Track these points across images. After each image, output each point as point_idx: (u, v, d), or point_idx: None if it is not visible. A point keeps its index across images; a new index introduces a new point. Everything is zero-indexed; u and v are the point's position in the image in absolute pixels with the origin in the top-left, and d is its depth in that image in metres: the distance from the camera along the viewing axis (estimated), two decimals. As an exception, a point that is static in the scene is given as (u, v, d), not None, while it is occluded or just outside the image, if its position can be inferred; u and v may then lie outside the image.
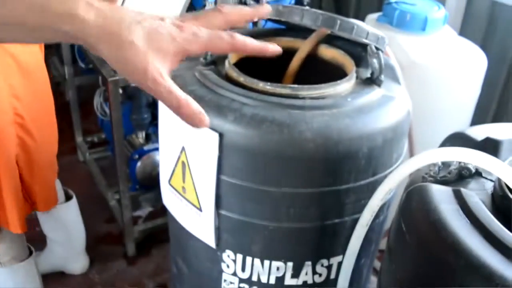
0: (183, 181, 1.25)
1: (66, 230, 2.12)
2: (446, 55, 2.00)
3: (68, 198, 2.09)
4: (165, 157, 1.32)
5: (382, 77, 1.27)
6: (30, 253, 1.86)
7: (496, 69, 2.50)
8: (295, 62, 1.43)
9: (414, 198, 0.90)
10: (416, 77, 1.86)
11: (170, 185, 1.32)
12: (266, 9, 0.78)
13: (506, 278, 0.70)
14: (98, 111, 2.64)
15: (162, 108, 1.27)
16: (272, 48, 0.73)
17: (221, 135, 1.09)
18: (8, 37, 0.63)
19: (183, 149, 1.21)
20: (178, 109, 0.63)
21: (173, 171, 1.28)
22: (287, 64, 1.45)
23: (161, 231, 2.32)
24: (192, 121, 0.64)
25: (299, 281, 1.28)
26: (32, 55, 1.65)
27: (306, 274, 1.28)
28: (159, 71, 0.61)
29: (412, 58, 1.92)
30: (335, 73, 1.34)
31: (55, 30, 0.60)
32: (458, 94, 2.00)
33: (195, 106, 0.64)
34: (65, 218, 2.08)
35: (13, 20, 0.59)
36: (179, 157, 1.24)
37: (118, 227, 2.50)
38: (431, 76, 1.94)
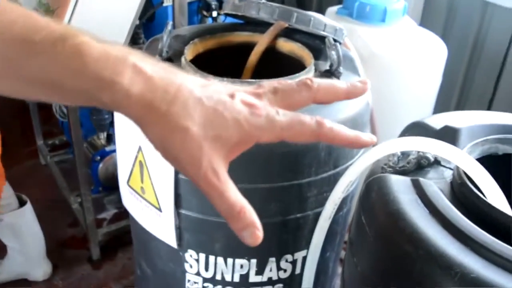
0: (142, 182, 1.22)
1: (23, 236, 2.05)
2: (407, 45, 2.00)
3: (22, 203, 2.02)
4: (122, 158, 1.29)
5: (341, 69, 1.26)
6: None
7: (457, 59, 2.52)
8: (254, 56, 1.41)
9: (373, 189, 0.88)
10: (377, 68, 1.86)
11: (129, 186, 1.29)
12: (364, 88, 0.59)
13: (465, 265, 0.69)
14: (57, 113, 2.58)
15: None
16: (366, 138, 0.55)
17: (177, 133, 1.06)
18: (32, 96, 0.53)
19: (140, 148, 1.18)
20: (229, 217, 0.50)
21: (131, 171, 1.25)
22: (245, 58, 1.43)
23: (126, 233, 2.25)
24: (243, 235, 0.50)
25: (263, 278, 1.27)
26: None
27: (271, 270, 1.26)
28: (214, 167, 0.49)
29: (373, 50, 1.91)
30: (294, 67, 1.33)
31: (90, 97, 0.49)
32: (419, 84, 2.01)
33: (249, 218, 0.50)
34: (20, 225, 2.02)
35: (41, 79, 0.49)
36: (136, 157, 1.20)
37: (81, 231, 2.44)
38: (392, 67, 1.94)
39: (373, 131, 1.59)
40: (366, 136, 0.55)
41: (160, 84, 0.48)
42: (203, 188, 0.50)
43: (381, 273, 0.83)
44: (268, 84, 0.55)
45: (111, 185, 2.45)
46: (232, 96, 0.51)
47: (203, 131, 0.49)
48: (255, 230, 0.50)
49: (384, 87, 1.87)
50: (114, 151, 2.41)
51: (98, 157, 2.39)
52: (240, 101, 0.51)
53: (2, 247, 2.11)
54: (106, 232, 2.36)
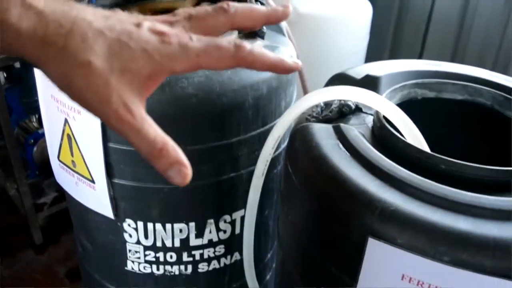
0: (72, 155, 1.21)
1: None
2: (332, 5, 2.03)
3: None
4: (50, 133, 1.27)
5: (265, 29, 1.27)
6: None
7: (385, 17, 2.58)
8: (177, 22, 1.40)
9: (297, 138, 0.90)
10: (304, 29, 1.88)
11: (60, 161, 1.27)
12: (286, 13, 0.56)
13: (384, 200, 0.72)
14: (-17, 99, 2.49)
15: (40, 81, 1.21)
16: (290, 62, 0.53)
17: (101, 101, 1.05)
18: None
19: (66, 121, 1.16)
20: (150, 156, 0.46)
21: (60, 146, 1.23)
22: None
23: (68, 215, 2.24)
24: (168, 174, 0.47)
25: (204, 241, 1.28)
26: None
27: (210, 232, 1.27)
28: (125, 103, 0.45)
29: (299, 11, 1.93)
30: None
31: None
32: (347, 43, 2.05)
33: (173, 155, 0.47)
34: None
35: None
36: (63, 131, 1.19)
37: (22, 217, 2.39)
38: (319, 27, 1.97)
39: (304, 89, 1.62)
40: (290, 60, 0.52)
41: (52, 17, 0.44)
42: (116, 127, 0.46)
43: (309, 218, 0.85)
44: (183, 11, 0.52)
45: (48, 168, 2.39)
46: (138, 25, 0.48)
47: (107, 64, 0.44)
48: (181, 168, 0.47)
49: (313, 47, 1.90)
50: (48, 133, 2.37)
51: (32, 141, 2.33)
52: (148, 29, 0.48)
53: None
54: (47, 216, 2.32)
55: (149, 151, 0.46)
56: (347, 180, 0.76)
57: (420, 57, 2.64)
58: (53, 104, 1.17)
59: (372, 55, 2.23)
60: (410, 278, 0.71)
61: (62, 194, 2.46)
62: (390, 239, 0.70)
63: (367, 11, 2.08)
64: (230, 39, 0.49)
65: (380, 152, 0.83)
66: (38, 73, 1.19)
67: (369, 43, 2.19)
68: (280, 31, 1.39)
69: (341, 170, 0.78)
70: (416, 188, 0.74)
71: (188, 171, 0.47)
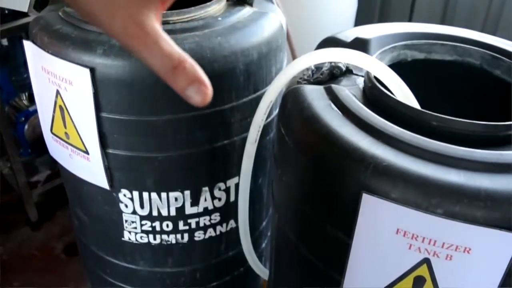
0: (65, 127, 1.21)
1: None
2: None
3: None
4: (42, 106, 1.26)
5: (253, -5, 1.27)
6: None
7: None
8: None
9: (289, 100, 0.91)
10: (292, -3, 1.88)
11: (53, 134, 1.27)
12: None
13: (377, 156, 0.73)
14: (-28, 78, 2.48)
15: (29, 53, 1.20)
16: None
17: (92, 70, 1.05)
18: None
19: (57, 93, 1.16)
20: (166, 74, 0.43)
21: (53, 118, 1.23)
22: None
23: (62, 192, 2.24)
24: (187, 94, 0.44)
25: (199, 209, 1.29)
26: None
27: (205, 200, 1.28)
28: (135, 16, 0.42)
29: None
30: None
31: None
32: (335, 9, 2.04)
33: (192, 72, 0.44)
34: None
35: None
36: (55, 103, 1.18)
37: (16, 195, 2.40)
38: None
39: (292, 55, 1.62)
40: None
41: None
42: (127, 43, 0.42)
43: (303, 177, 0.86)
44: None
45: (40, 146, 2.39)
46: None
47: None
48: (200, 86, 0.43)
49: (302, 13, 1.89)
50: (39, 110, 2.36)
51: (23, 118, 2.33)
52: None
53: None
54: (41, 193, 2.33)
55: (164, 68, 0.43)
56: (340, 138, 0.77)
57: (409, 21, 2.64)
58: (44, 76, 1.17)
59: (361, 20, 2.23)
60: (405, 232, 0.72)
61: (55, 172, 2.48)
62: (383, 194, 0.71)
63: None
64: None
65: (372, 111, 0.84)
66: (27, 46, 1.18)
67: (358, 8, 2.19)
68: (269, -2, 1.39)
69: (334, 129, 0.79)
70: (407, 144, 0.75)
71: (209, 90, 0.44)
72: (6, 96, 2.41)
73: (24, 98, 2.42)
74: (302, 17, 1.87)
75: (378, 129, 0.78)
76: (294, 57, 1.65)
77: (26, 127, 2.33)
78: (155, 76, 1.04)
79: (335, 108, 0.84)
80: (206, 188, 1.26)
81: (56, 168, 2.51)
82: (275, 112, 1.30)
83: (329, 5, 1.98)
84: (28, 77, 2.34)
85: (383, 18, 2.70)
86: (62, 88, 1.14)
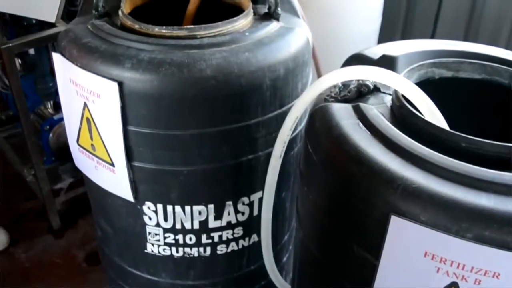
0: (91, 139, 1.22)
1: None
2: (345, -13, 2.03)
3: None
4: (69, 117, 1.28)
5: (279, 10, 1.27)
6: None
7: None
8: (192, 5, 1.40)
9: (317, 118, 0.91)
10: (316, 10, 1.88)
11: (79, 145, 1.28)
12: None
13: (406, 178, 0.73)
14: (-1, 87, 2.51)
15: (58, 65, 1.22)
16: None
17: (120, 84, 1.06)
18: None
19: (85, 105, 1.17)
20: None
21: (80, 130, 1.24)
22: (184, 8, 1.43)
23: (85, 200, 2.25)
24: None
25: (223, 223, 1.29)
26: None
27: (229, 214, 1.29)
28: None
29: (312, -7, 1.93)
30: (234, 13, 1.33)
31: None
32: (359, 24, 2.04)
33: None
34: None
35: None
36: (83, 115, 1.20)
37: (39, 203, 2.42)
38: (331, 8, 1.96)
39: (317, 69, 1.62)
40: None
41: None
42: None
43: (330, 196, 0.86)
44: None
45: (64, 154, 2.41)
46: None
47: None
48: None
49: (325, 28, 1.89)
50: (63, 119, 2.38)
51: (47, 127, 2.35)
52: None
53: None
54: (64, 201, 2.35)
55: None
56: (369, 159, 0.77)
57: (432, 36, 2.63)
58: (72, 88, 1.18)
59: (384, 34, 2.22)
60: (433, 255, 0.71)
61: (78, 180, 2.50)
62: (412, 216, 0.71)
63: (380, -8, 2.08)
64: None
65: (400, 130, 0.83)
66: (56, 58, 1.20)
67: (381, 22, 2.18)
68: (294, 12, 1.39)
69: (362, 149, 0.79)
70: (437, 166, 0.74)
71: None
72: (31, 104, 2.43)
73: (49, 106, 2.44)
74: (326, 31, 1.87)
75: (407, 150, 0.78)
76: (319, 71, 1.65)
77: (50, 135, 2.35)
78: (182, 91, 1.05)
79: (363, 128, 0.84)
80: (230, 202, 1.26)
81: (79, 176, 2.53)
82: (300, 127, 1.30)
83: (354, 18, 1.98)
84: (53, 86, 2.38)
85: (406, 31, 2.69)
86: (89, 101, 1.15)
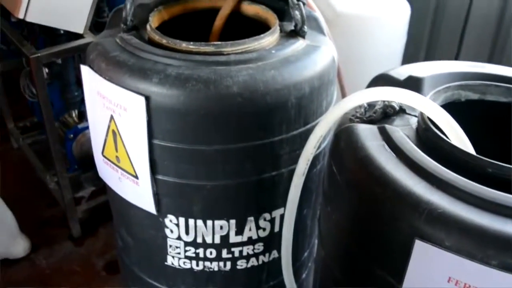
0: (116, 151, 1.23)
1: None
2: (370, 5, 2.03)
3: None
4: (95, 129, 1.29)
5: (306, 28, 1.28)
6: None
7: (422, 17, 2.56)
8: (219, 20, 1.42)
9: (342, 138, 0.91)
10: (342, 28, 1.88)
11: (104, 156, 1.30)
12: None
13: (432, 202, 0.73)
14: (26, 94, 2.55)
15: (85, 78, 1.24)
16: None
17: (147, 98, 1.07)
18: None
19: (111, 117, 1.19)
20: None
21: (105, 141, 1.26)
22: (211, 24, 1.44)
23: (106, 209, 2.26)
24: None
25: (244, 238, 1.30)
26: None
27: (250, 230, 1.29)
28: None
29: (337, 10, 1.93)
30: (260, 29, 1.34)
31: None
32: (385, 42, 2.04)
33: None
34: None
35: None
36: (109, 127, 1.21)
37: (61, 210, 2.45)
38: (357, 26, 1.96)
39: (341, 88, 1.62)
40: None
41: None
42: None
43: (354, 217, 0.86)
44: None
45: (86, 162, 2.45)
46: None
47: None
48: None
49: (351, 46, 1.89)
50: (87, 128, 2.41)
51: (71, 135, 2.38)
52: None
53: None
54: (86, 209, 2.37)
55: None
56: (394, 181, 0.77)
57: (456, 57, 2.61)
58: (99, 101, 1.20)
59: (408, 54, 2.22)
60: (457, 281, 0.71)
61: (100, 188, 2.52)
62: (437, 241, 0.70)
63: (405, 10, 2.07)
64: None
65: (426, 153, 0.83)
66: (84, 71, 1.22)
67: (406, 42, 2.18)
68: (320, 30, 1.40)
69: (388, 171, 0.79)
70: (463, 191, 0.74)
71: None
72: (56, 112, 2.47)
73: (74, 115, 2.47)
74: (350, 48, 1.87)
75: (433, 174, 0.77)
76: (343, 89, 1.66)
77: (74, 143, 2.38)
78: (208, 107, 1.06)
79: (389, 150, 0.84)
80: (252, 218, 1.27)
81: (100, 185, 2.56)
82: (323, 145, 1.30)
83: (379, 37, 1.98)
84: (78, 95, 2.42)
85: (430, 51, 2.68)
86: (116, 113, 1.16)
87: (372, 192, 0.79)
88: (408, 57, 2.23)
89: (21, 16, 1.71)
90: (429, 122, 0.88)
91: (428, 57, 2.69)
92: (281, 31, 1.30)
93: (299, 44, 1.23)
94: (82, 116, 2.49)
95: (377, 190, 0.78)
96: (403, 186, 0.76)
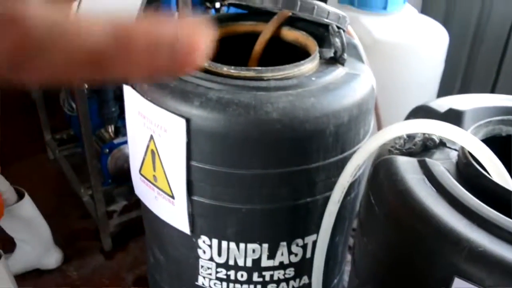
0: (154, 170, 1.25)
1: (27, 228, 2.08)
2: (409, 32, 2.03)
3: (20, 196, 2.05)
4: (134, 147, 1.32)
5: (345, 55, 1.28)
6: None
7: (459, 45, 2.54)
8: (259, 45, 1.44)
9: (381, 170, 0.91)
10: (380, 55, 1.88)
11: (141, 174, 1.32)
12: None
13: (473, 240, 0.72)
14: (65, 108, 2.61)
15: (128, 97, 1.26)
16: None
17: (188, 121, 1.09)
18: None
19: (151, 137, 1.21)
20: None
21: (143, 160, 1.28)
22: (251, 48, 1.46)
23: (137, 224, 2.30)
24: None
25: (275, 262, 1.30)
26: None
27: (282, 254, 1.29)
28: None
29: (376, 37, 1.94)
30: (299, 55, 1.35)
31: None
32: (422, 70, 2.03)
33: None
34: (23, 217, 2.04)
35: None
36: (148, 146, 1.23)
37: (93, 223, 2.47)
38: (395, 54, 1.96)
39: (376, 115, 1.62)
40: None
41: None
42: None
43: (391, 251, 0.86)
44: None
45: (120, 177, 2.48)
46: None
47: None
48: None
49: (388, 74, 1.89)
50: (123, 143, 2.45)
51: (107, 150, 2.41)
52: None
53: (12, 240, 2.15)
54: (117, 224, 2.39)
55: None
56: (434, 217, 0.77)
57: (493, 88, 2.59)
58: (140, 120, 1.22)
59: (443, 82, 2.20)
60: (496, 321, 0.70)
61: (132, 203, 2.55)
62: (477, 280, 0.70)
63: (444, 38, 2.06)
64: None
65: (466, 189, 0.83)
66: (127, 91, 1.24)
67: (443, 70, 2.16)
68: (360, 57, 1.40)
69: (428, 206, 0.79)
70: (505, 230, 0.74)
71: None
72: (93, 127, 2.51)
73: (110, 130, 2.51)
74: (387, 74, 1.87)
75: (474, 211, 0.77)
76: (378, 116, 1.65)
77: (109, 158, 2.42)
78: (248, 132, 1.07)
79: (429, 184, 0.84)
80: (284, 243, 1.27)
81: (132, 199, 2.59)
82: (359, 173, 1.30)
83: (417, 63, 1.97)
84: (115, 111, 2.46)
85: (466, 81, 2.66)
86: (156, 134, 1.18)
87: (412, 227, 0.79)
88: (444, 85, 2.21)
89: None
90: (470, 157, 0.88)
91: (464, 86, 2.67)
92: (320, 57, 1.31)
93: (338, 72, 1.24)
94: (118, 131, 2.53)
95: (416, 225, 0.78)
96: (443, 223, 0.75)
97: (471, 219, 0.76)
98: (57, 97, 2.67)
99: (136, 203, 2.27)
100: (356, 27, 1.88)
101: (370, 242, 0.92)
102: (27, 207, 2.06)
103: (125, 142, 2.43)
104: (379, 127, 1.68)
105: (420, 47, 2.00)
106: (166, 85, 1.16)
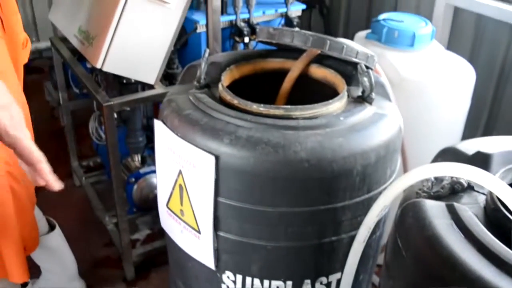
0: (181, 204, 1.27)
1: (55, 258, 2.10)
2: (435, 69, 2.03)
3: (51, 227, 2.07)
4: (162, 181, 1.34)
5: (373, 94, 1.30)
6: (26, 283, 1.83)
7: (485, 82, 2.54)
8: (287, 82, 1.46)
9: (409, 214, 0.91)
10: (406, 93, 1.89)
11: (168, 208, 1.34)
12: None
13: (500, 289, 0.72)
14: (93, 136, 2.66)
15: (158, 132, 1.29)
16: None
17: (217, 158, 1.11)
18: None
19: (180, 172, 1.23)
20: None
21: (171, 194, 1.30)
22: (279, 84, 1.48)
23: (160, 254, 2.32)
24: None
25: (299, 299, 1.30)
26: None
27: (306, 292, 1.29)
28: None
29: (402, 74, 1.94)
30: (327, 92, 1.37)
31: None
32: (448, 108, 2.03)
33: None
34: (52, 248, 2.06)
35: None
36: (176, 181, 1.25)
37: (116, 251, 2.49)
38: (421, 91, 1.96)
39: (403, 155, 1.62)
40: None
41: None
42: None
43: (418, 295, 0.86)
44: None
45: (144, 206, 2.50)
46: None
47: None
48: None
49: (414, 111, 1.89)
50: (148, 173, 2.48)
51: (133, 179, 2.44)
52: None
53: (37, 267, 2.17)
54: (141, 253, 2.41)
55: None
56: (462, 264, 0.77)
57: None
58: (170, 155, 1.24)
59: (469, 120, 2.19)
60: None
61: (155, 232, 2.57)
62: (505, 329, 0.69)
63: (471, 75, 2.06)
64: None
65: (494, 234, 0.83)
66: (157, 125, 1.27)
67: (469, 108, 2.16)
68: (387, 96, 1.41)
69: (456, 253, 0.79)
70: (533, 279, 0.73)
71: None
72: (120, 155, 2.55)
73: (137, 159, 2.55)
74: (413, 112, 1.87)
75: (502, 258, 0.77)
76: (403, 155, 1.66)
77: (135, 187, 2.45)
78: (276, 170, 1.08)
79: (457, 229, 0.84)
80: (308, 281, 1.27)
81: (155, 229, 2.61)
82: (384, 213, 1.30)
83: (444, 102, 1.97)
84: (142, 141, 2.49)
85: (491, 119, 2.64)
86: (185, 169, 1.20)
87: (439, 272, 0.79)
88: (469, 123, 2.20)
89: (98, 66, 1.80)
90: (498, 203, 0.88)
91: (489, 124, 2.66)
92: (348, 96, 1.32)
93: (366, 111, 1.25)
94: (145, 161, 2.56)
95: (444, 271, 0.78)
96: (471, 270, 0.75)
97: (499, 266, 0.76)
98: (85, 124, 2.72)
99: (160, 233, 2.29)
100: (383, 63, 1.90)
101: (396, 285, 0.92)
102: (57, 238, 2.09)
103: (151, 172, 2.46)
104: (405, 166, 1.68)
105: (447, 85, 2.00)
106: (196, 121, 1.18)
